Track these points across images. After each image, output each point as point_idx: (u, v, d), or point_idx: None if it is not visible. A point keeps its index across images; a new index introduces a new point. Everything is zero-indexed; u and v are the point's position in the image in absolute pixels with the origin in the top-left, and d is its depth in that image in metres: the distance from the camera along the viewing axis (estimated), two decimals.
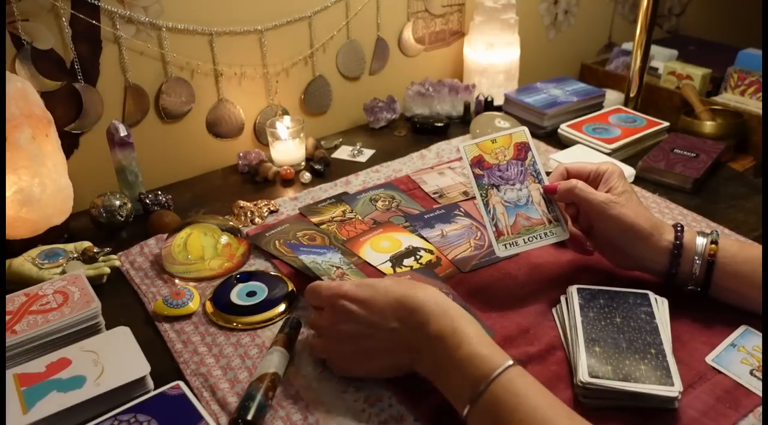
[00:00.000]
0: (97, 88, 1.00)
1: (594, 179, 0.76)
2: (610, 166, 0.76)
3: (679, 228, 0.72)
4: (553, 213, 0.76)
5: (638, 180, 1.03)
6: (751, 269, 0.69)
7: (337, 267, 0.81)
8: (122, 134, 0.94)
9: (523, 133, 0.80)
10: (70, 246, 0.85)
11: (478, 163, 0.78)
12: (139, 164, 0.98)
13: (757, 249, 0.70)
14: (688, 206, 0.95)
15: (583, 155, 1.08)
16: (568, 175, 0.77)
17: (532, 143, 0.79)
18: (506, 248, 0.74)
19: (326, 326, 0.66)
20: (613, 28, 1.69)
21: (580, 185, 0.73)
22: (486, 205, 0.76)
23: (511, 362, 0.55)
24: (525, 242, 0.74)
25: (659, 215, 0.93)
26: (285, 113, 1.18)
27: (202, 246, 0.84)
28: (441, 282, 0.78)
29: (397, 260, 0.84)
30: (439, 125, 1.23)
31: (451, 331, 0.58)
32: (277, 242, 0.89)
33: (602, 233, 0.74)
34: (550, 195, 0.76)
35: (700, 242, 0.71)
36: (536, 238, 0.74)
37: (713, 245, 0.70)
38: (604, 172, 0.75)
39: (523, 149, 0.78)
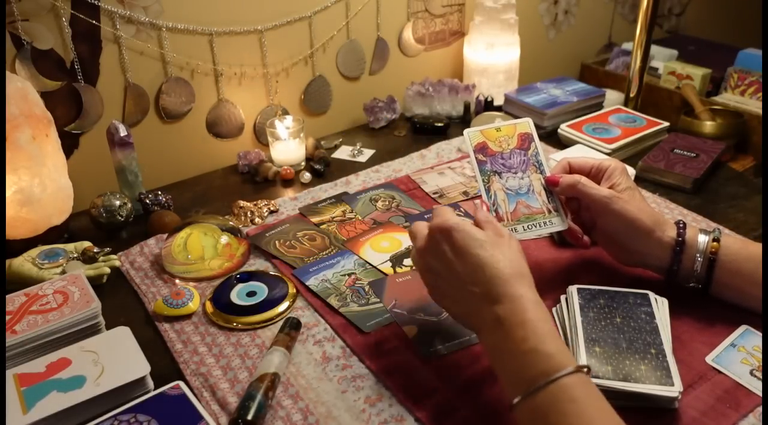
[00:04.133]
0: (97, 88, 1.00)
1: (596, 174, 0.76)
2: (613, 162, 0.76)
3: (681, 225, 0.72)
4: (553, 204, 0.76)
5: (638, 180, 1.03)
6: (753, 267, 0.69)
7: (350, 274, 0.81)
8: (122, 134, 0.94)
9: (527, 124, 0.80)
10: (70, 246, 0.85)
11: (481, 149, 0.78)
12: (139, 164, 0.98)
13: (758, 247, 0.70)
14: (688, 206, 0.95)
15: (583, 155, 1.07)
16: (571, 169, 0.77)
17: (536, 134, 0.80)
18: None
19: (420, 249, 0.64)
20: (613, 28, 1.69)
21: (583, 180, 0.73)
22: (488, 191, 0.76)
23: (574, 367, 0.52)
24: (524, 230, 0.74)
25: None
26: (285, 113, 1.18)
27: (202, 246, 0.84)
28: None
29: (397, 260, 0.84)
30: (439, 125, 1.23)
31: (520, 322, 0.56)
32: (277, 242, 0.89)
33: (605, 228, 0.74)
34: (551, 187, 0.76)
35: (702, 239, 0.71)
36: (535, 226, 0.74)
37: (715, 243, 0.70)
38: (607, 168, 0.75)
39: (527, 140, 0.79)
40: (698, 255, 0.70)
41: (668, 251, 0.71)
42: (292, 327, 0.72)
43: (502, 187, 0.76)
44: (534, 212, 0.75)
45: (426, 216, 0.94)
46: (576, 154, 1.08)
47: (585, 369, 0.53)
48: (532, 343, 0.54)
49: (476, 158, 0.77)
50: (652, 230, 0.71)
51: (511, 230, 0.73)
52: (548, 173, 0.77)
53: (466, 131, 0.79)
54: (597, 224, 0.75)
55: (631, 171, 1.03)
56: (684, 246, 0.71)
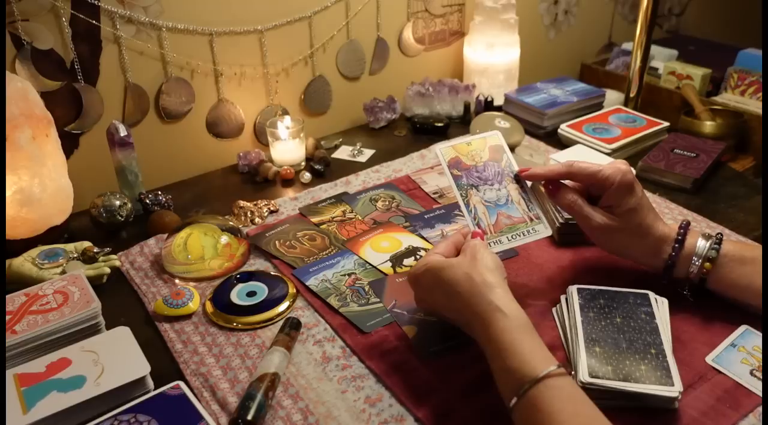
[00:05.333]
0: (97, 88, 1.00)
1: (600, 185, 0.73)
2: (617, 175, 0.71)
3: (676, 246, 0.71)
4: (534, 212, 0.76)
5: (638, 180, 1.03)
6: (745, 283, 0.69)
7: (350, 274, 0.81)
8: (122, 134, 0.94)
9: (496, 136, 0.81)
10: (70, 246, 0.85)
11: (455, 164, 0.78)
12: (139, 164, 0.98)
13: (756, 264, 0.69)
14: (688, 206, 0.95)
15: (583, 155, 1.08)
16: (573, 175, 0.74)
17: (506, 146, 0.80)
18: (491, 246, 0.74)
19: (415, 299, 0.71)
20: (613, 28, 1.69)
21: (577, 203, 0.73)
22: (467, 205, 0.76)
23: (538, 375, 0.53)
24: (509, 240, 0.74)
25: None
26: (285, 113, 1.18)
27: (202, 246, 0.84)
28: None
29: (397, 260, 0.84)
30: (439, 125, 1.23)
31: (487, 339, 0.59)
32: (277, 242, 0.89)
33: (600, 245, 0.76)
34: (547, 193, 0.76)
35: (696, 261, 0.70)
36: (519, 236, 0.75)
37: (708, 263, 0.70)
38: (610, 185, 0.71)
39: (498, 152, 0.79)
40: (690, 271, 0.71)
41: (661, 266, 0.72)
42: (292, 327, 0.72)
43: (480, 200, 0.76)
44: (516, 221, 0.75)
45: (426, 216, 0.94)
46: (576, 154, 1.08)
47: (550, 373, 0.54)
48: (499, 360, 0.57)
49: (451, 173, 0.77)
50: (652, 254, 0.72)
51: (495, 242, 0.74)
52: (525, 183, 0.77)
53: (437, 147, 0.79)
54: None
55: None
56: (674, 268, 0.72)
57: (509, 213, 0.75)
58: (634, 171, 0.74)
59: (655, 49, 1.42)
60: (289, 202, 1.01)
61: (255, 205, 0.99)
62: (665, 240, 0.72)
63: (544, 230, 0.75)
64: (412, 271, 0.69)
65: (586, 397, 0.54)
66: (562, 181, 0.76)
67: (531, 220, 0.75)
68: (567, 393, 0.53)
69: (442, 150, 0.79)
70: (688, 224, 0.72)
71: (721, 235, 0.71)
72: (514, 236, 0.74)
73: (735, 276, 0.69)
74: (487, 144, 0.80)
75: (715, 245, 0.70)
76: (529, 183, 0.78)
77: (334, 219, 0.95)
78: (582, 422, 0.52)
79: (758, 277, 0.68)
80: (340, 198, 1.00)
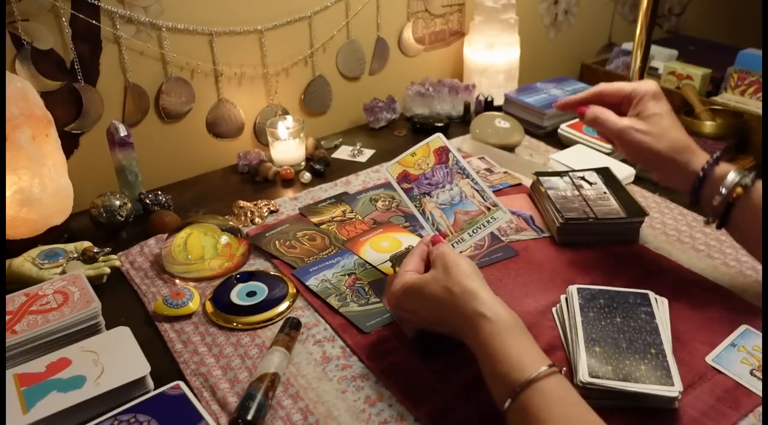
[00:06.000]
0: (97, 88, 1.00)
1: (629, 101, 0.76)
2: (645, 86, 0.75)
3: (712, 160, 0.71)
4: (489, 200, 0.77)
5: (638, 180, 1.03)
6: None
7: (350, 274, 0.81)
8: (122, 134, 0.94)
9: (438, 138, 0.82)
10: (70, 246, 0.85)
11: (404, 178, 0.80)
12: (139, 164, 0.98)
13: None
14: (689, 206, 0.95)
15: (583, 155, 1.08)
16: (603, 96, 0.78)
17: (450, 144, 0.81)
18: (454, 247, 0.74)
19: (400, 321, 0.71)
20: (613, 28, 1.69)
21: (602, 115, 0.75)
22: (423, 214, 0.77)
23: (528, 378, 0.53)
24: (470, 235, 0.75)
25: (659, 215, 0.93)
26: (285, 112, 1.18)
27: (202, 246, 0.84)
28: None
29: (397, 259, 0.84)
30: (439, 125, 1.23)
31: (476, 346, 0.59)
32: (277, 242, 0.89)
33: (627, 153, 0.77)
34: (580, 116, 0.78)
35: (731, 179, 0.69)
36: (480, 228, 0.75)
37: (739, 188, 0.68)
38: (638, 94, 0.75)
39: (443, 153, 0.80)
40: (718, 195, 0.70)
41: (689, 180, 0.72)
42: (292, 327, 0.72)
43: (435, 205, 0.77)
44: (474, 215, 0.76)
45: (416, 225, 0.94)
46: (576, 154, 1.08)
47: (539, 375, 0.53)
48: (489, 366, 0.57)
49: (402, 188, 0.79)
50: (671, 159, 0.72)
51: (458, 241, 0.74)
52: (474, 176, 0.78)
53: (384, 167, 0.81)
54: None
55: (631, 171, 1.03)
56: (705, 181, 0.70)
57: (465, 209, 0.76)
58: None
59: (655, 49, 1.42)
60: (289, 202, 1.01)
61: (255, 205, 0.99)
62: (694, 152, 0.72)
63: (504, 215, 0.76)
64: (391, 294, 0.67)
65: (579, 398, 0.53)
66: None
67: (488, 209, 0.76)
68: (558, 396, 0.53)
69: (389, 168, 0.81)
70: (718, 157, 0.72)
71: (754, 175, 0.69)
72: (475, 231, 0.75)
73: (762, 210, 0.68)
74: (430, 149, 0.81)
75: (751, 174, 0.69)
76: (475, 174, 0.78)
77: (334, 219, 0.95)
78: (574, 424, 0.51)
79: None
80: (340, 198, 1.00)
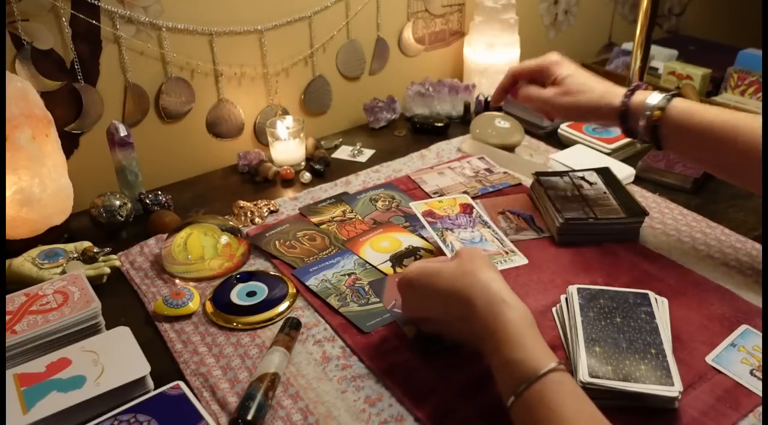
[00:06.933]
0: (97, 88, 1.00)
1: (541, 73, 0.86)
2: (548, 59, 0.86)
3: (628, 93, 0.79)
4: (507, 247, 0.82)
5: (638, 180, 1.03)
6: (696, 135, 0.75)
7: (350, 274, 0.81)
8: (122, 134, 0.94)
9: (466, 198, 0.91)
10: (70, 246, 0.85)
11: (429, 214, 0.87)
12: (139, 164, 0.98)
13: (710, 114, 0.74)
14: (688, 206, 0.95)
15: (583, 155, 1.08)
16: (518, 76, 0.89)
17: (475, 203, 0.90)
18: None
19: (402, 307, 0.71)
20: (613, 28, 1.69)
21: (528, 91, 0.87)
22: (444, 241, 0.81)
23: (545, 369, 0.53)
24: None
25: (659, 215, 0.93)
26: (285, 112, 1.18)
27: (202, 246, 0.84)
28: None
29: (397, 259, 0.84)
30: (439, 125, 1.23)
31: (492, 331, 0.57)
32: (277, 242, 0.89)
33: (561, 116, 0.87)
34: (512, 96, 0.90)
35: (649, 104, 0.77)
36: (498, 264, 0.79)
37: (658, 111, 0.76)
38: (545, 66, 0.86)
39: (468, 207, 0.88)
40: (641, 121, 0.78)
41: (617, 117, 0.80)
42: (292, 327, 0.72)
43: (456, 238, 0.82)
44: (492, 253, 0.80)
45: (416, 224, 0.94)
46: (576, 154, 1.08)
47: (555, 368, 0.53)
48: (503, 354, 0.56)
49: (426, 220, 0.84)
50: (597, 107, 0.81)
51: None
52: (494, 227, 0.85)
53: (412, 204, 0.89)
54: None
55: (631, 171, 1.03)
56: (628, 113, 0.79)
57: (485, 248, 0.81)
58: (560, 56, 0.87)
59: (655, 49, 1.42)
60: (289, 202, 1.01)
61: (255, 205, 0.99)
62: (613, 92, 0.81)
63: (521, 260, 0.80)
64: (404, 275, 0.67)
65: (586, 396, 0.53)
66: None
67: (506, 253, 0.81)
68: (571, 390, 0.53)
69: (417, 206, 0.88)
70: (636, 88, 0.80)
71: (671, 96, 0.77)
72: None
73: (687, 126, 0.75)
74: (457, 202, 0.90)
75: (667, 96, 0.77)
76: (497, 227, 0.85)
77: (334, 219, 0.95)
78: (586, 419, 0.51)
79: (706, 133, 0.74)
80: (340, 198, 1.00)
